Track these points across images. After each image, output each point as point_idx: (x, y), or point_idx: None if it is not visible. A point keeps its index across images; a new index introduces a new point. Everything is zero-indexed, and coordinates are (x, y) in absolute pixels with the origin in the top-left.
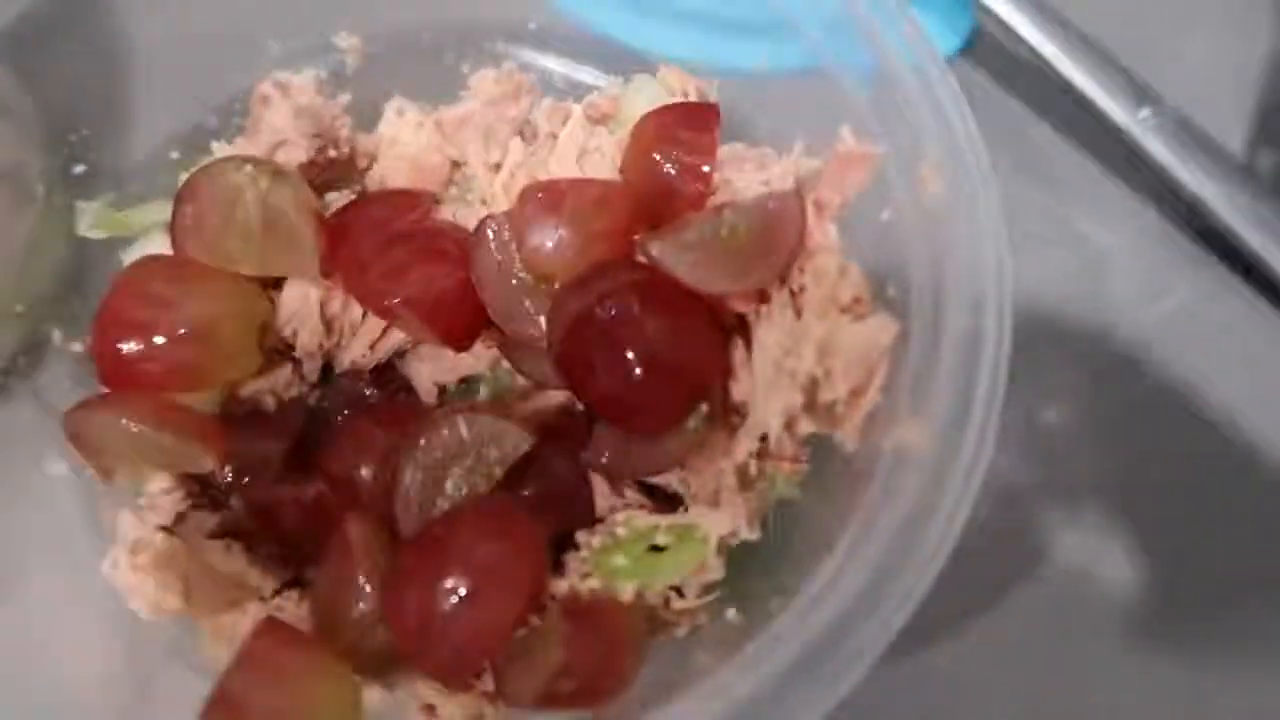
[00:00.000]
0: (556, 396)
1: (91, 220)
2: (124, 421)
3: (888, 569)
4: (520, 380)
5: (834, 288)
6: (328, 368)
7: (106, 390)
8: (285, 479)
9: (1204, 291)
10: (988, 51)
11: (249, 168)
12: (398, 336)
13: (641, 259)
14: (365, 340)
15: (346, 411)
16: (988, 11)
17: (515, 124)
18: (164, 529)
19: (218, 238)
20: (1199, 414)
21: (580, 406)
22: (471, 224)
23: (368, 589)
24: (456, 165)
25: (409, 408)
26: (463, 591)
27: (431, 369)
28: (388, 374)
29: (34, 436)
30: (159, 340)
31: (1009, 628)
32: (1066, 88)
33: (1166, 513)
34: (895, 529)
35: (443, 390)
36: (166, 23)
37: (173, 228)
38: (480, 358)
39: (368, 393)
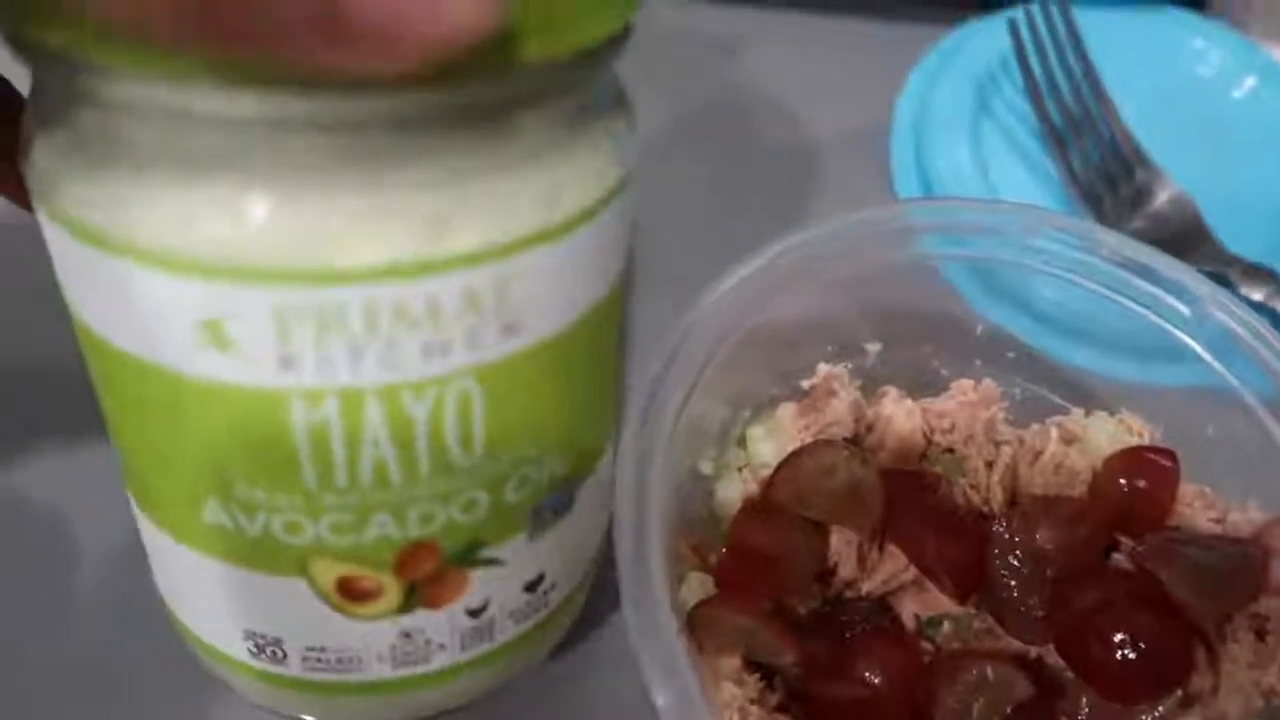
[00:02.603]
0: (1014, 644)
1: (710, 465)
2: (740, 618)
3: None
4: (977, 623)
5: None
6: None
7: (718, 592)
8: (825, 676)
9: None
10: None
11: (845, 453)
12: (905, 576)
13: (1115, 563)
14: (881, 576)
15: (856, 629)
16: None
17: (985, 424)
18: (753, 702)
19: (808, 495)
20: None
21: (1033, 653)
22: (959, 498)
23: None
24: (929, 442)
25: (900, 633)
26: None
27: (916, 603)
28: (880, 601)
29: None
30: (763, 563)
31: None
32: None
33: None
34: None
35: (918, 620)
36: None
37: (771, 481)
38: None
39: (872, 617)
